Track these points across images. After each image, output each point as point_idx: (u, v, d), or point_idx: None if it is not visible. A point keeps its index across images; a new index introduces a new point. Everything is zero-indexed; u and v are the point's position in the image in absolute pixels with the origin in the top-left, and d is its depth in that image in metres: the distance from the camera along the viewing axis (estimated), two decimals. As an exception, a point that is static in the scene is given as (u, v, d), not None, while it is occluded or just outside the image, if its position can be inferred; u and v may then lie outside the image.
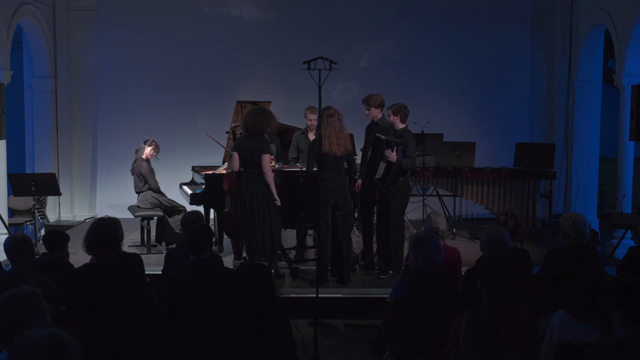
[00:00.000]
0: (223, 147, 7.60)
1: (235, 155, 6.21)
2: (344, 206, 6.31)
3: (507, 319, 3.32)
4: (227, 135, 7.37)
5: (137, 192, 7.62)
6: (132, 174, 7.64)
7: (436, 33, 9.90)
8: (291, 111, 8.14)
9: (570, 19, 9.44)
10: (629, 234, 7.22)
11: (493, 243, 4.35)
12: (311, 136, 7.13)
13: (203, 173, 7.41)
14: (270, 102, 8.26)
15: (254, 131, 6.15)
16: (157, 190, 7.60)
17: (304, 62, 4.98)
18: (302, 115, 7.40)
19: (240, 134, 6.82)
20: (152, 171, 7.57)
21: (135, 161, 7.60)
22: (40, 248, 5.76)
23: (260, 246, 6.14)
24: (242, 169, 6.23)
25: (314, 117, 7.00)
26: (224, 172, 7.35)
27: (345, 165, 6.39)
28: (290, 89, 9.20)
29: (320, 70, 4.95)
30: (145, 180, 7.50)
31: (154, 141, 7.67)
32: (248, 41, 9.81)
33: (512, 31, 9.90)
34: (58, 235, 4.99)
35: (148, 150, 7.60)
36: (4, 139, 7.59)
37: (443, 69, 9.87)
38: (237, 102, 8.17)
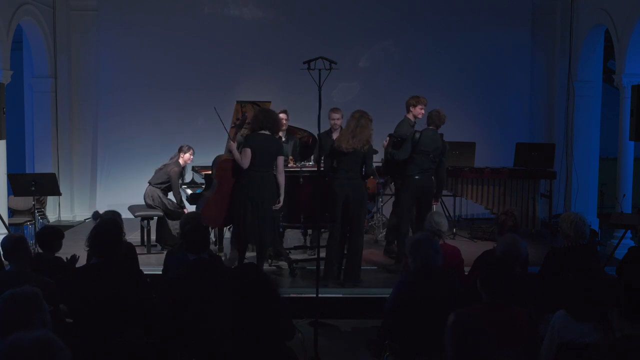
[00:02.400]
0: (225, 129, 7.39)
1: (248, 152, 6.10)
2: (353, 204, 6.29)
3: (507, 319, 3.33)
4: (237, 121, 7.10)
5: (149, 182, 7.62)
6: (159, 169, 7.64)
7: (436, 33, 9.90)
8: (291, 111, 8.12)
9: (570, 19, 9.44)
10: (629, 234, 7.22)
11: (508, 253, 4.29)
12: (335, 136, 6.99)
13: (203, 173, 7.41)
14: (270, 102, 8.25)
15: (274, 129, 6.22)
16: (179, 201, 7.56)
17: (304, 62, 4.98)
18: (302, 116, 7.41)
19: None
20: (178, 179, 7.56)
21: (169, 163, 7.63)
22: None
23: (270, 243, 6.34)
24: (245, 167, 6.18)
25: (337, 116, 7.02)
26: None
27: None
28: (290, 89, 9.19)
29: (320, 70, 4.95)
30: (167, 181, 7.50)
31: (190, 147, 7.68)
32: (248, 41, 9.82)
33: (512, 31, 9.90)
34: (53, 233, 5.00)
35: (187, 156, 7.61)
36: (4, 139, 7.59)
37: (443, 69, 9.87)
38: (237, 102, 8.15)
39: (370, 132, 6.29)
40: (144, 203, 7.84)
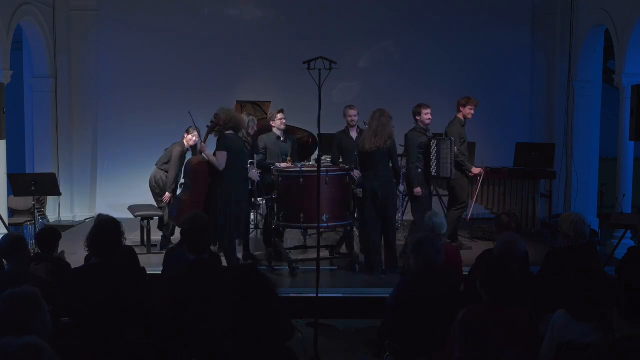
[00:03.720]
0: (198, 133, 7.40)
1: (225, 154, 6.37)
2: (383, 200, 6.59)
3: (507, 319, 3.32)
4: (210, 124, 7.09)
5: (155, 165, 7.58)
6: (166, 149, 7.60)
7: (436, 33, 9.90)
8: (291, 111, 8.12)
9: (570, 19, 9.44)
10: (629, 234, 7.22)
11: (506, 251, 4.29)
12: (353, 133, 7.15)
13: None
14: (270, 102, 8.27)
15: (237, 128, 6.57)
16: (172, 180, 7.38)
17: (304, 62, 4.97)
18: (302, 116, 7.40)
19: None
20: (181, 160, 7.38)
21: (174, 143, 7.55)
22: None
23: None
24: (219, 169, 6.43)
25: (354, 113, 7.11)
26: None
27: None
28: (290, 89, 9.19)
29: (320, 70, 4.95)
30: (169, 161, 7.42)
31: (196, 129, 7.44)
32: (248, 41, 9.81)
33: (512, 31, 9.90)
34: (52, 233, 5.00)
35: (189, 137, 7.46)
36: (4, 139, 7.59)
37: (443, 69, 9.86)
38: (237, 102, 8.17)
39: (391, 129, 6.60)
40: (143, 203, 7.84)
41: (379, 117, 6.56)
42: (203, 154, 6.63)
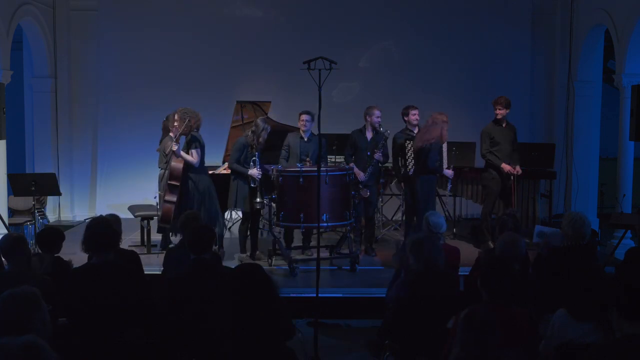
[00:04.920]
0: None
1: (199, 151, 6.83)
2: (420, 195, 6.94)
3: (507, 319, 3.33)
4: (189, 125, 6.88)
5: (159, 167, 7.50)
6: (157, 150, 7.54)
7: (436, 33, 9.90)
8: (291, 111, 8.12)
9: (570, 19, 9.44)
10: (629, 234, 7.23)
11: (507, 252, 4.30)
12: (368, 134, 7.29)
13: (210, 172, 7.36)
14: (270, 102, 8.26)
15: (199, 129, 6.96)
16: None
17: (304, 62, 4.96)
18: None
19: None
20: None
21: (163, 138, 7.46)
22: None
23: None
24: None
25: (378, 113, 7.26)
26: (225, 172, 7.34)
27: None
28: (290, 89, 9.19)
29: (320, 70, 4.94)
30: (167, 159, 7.35)
31: (176, 113, 7.26)
32: (248, 41, 9.82)
33: (512, 31, 9.90)
34: (54, 233, 4.99)
35: (176, 124, 7.38)
36: (4, 139, 7.58)
37: (443, 69, 9.87)
38: (237, 102, 8.16)
39: (439, 132, 6.86)
40: (143, 203, 7.83)
41: (432, 121, 6.93)
42: (179, 154, 6.79)
